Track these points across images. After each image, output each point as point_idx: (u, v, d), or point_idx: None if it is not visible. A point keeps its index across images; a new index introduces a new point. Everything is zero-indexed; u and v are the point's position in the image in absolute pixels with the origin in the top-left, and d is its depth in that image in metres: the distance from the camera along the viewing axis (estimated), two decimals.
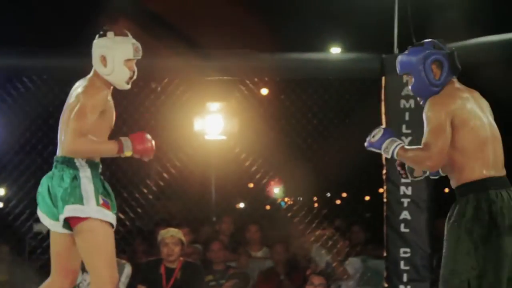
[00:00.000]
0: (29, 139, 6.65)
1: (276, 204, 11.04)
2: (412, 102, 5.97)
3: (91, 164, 3.80)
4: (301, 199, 7.30)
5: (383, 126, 3.87)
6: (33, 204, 6.48)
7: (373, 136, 3.71)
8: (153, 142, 3.88)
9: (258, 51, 6.21)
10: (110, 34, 3.87)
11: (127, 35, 3.90)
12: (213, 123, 7.80)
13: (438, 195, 6.25)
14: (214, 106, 7.76)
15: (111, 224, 3.79)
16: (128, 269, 5.98)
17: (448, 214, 3.59)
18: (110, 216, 3.78)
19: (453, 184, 3.61)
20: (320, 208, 7.55)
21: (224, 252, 6.81)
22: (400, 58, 3.79)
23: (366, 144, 3.76)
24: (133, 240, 7.00)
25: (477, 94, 3.70)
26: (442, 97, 3.60)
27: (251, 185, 9.40)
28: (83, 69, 6.00)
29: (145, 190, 6.96)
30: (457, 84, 3.68)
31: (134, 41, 3.89)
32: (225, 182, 8.70)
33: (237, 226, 7.53)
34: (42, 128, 6.57)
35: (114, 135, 3.91)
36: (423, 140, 3.56)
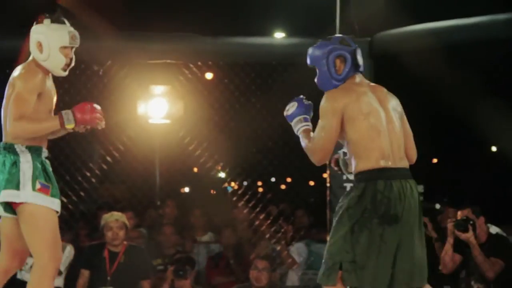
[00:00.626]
0: None
1: (221, 188, 11.07)
2: None
3: (32, 149, 3.80)
4: (246, 183, 7.31)
5: (301, 97, 3.90)
6: None
7: (288, 109, 3.86)
8: (99, 110, 3.88)
9: (202, 35, 6.22)
10: (46, 21, 3.87)
11: (64, 23, 3.89)
12: (157, 107, 7.76)
13: None
14: (158, 89, 7.71)
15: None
16: (69, 250, 5.96)
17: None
18: (49, 201, 3.78)
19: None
20: (264, 193, 7.59)
21: (175, 236, 6.83)
22: (309, 50, 3.84)
23: (285, 114, 3.88)
24: (75, 223, 6.96)
25: (380, 89, 3.78)
26: (338, 91, 3.71)
27: (195, 169, 9.41)
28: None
29: (88, 174, 6.92)
30: (358, 79, 3.76)
31: (71, 29, 3.89)
32: (169, 167, 8.68)
33: (181, 210, 7.55)
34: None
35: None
36: (313, 134, 3.70)
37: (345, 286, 3.58)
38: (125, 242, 5.90)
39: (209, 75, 7.49)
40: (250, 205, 6.93)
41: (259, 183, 8.12)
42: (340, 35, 3.87)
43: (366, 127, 3.63)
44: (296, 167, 7.03)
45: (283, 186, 11.55)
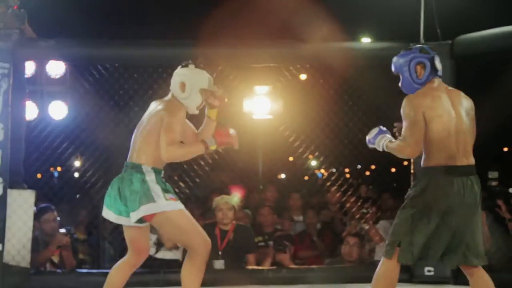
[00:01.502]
0: (103, 118, 6.76)
1: (313, 175, 11.06)
2: None
3: (155, 170, 3.96)
4: (334, 170, 7.28)
5: (380, 126, 4.02)
6: (107, 174, 6.64)
7: (370, 134, 4.00)
8: (234, 134, 4.10)
9: (301, 42, 6.20)
10: (191, 66, 4.08)
11: (204, 69, 4.09)
12: (260, 104, 7.83)
13: None
14: (262, 89, 7.78)
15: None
16: None
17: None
18: (178, 205, 3.95)
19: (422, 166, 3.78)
20: (353, 179, 7.55)
21: (272, 216, 6.87)
22: (394, 59, 3.97)
23: (367, 140, 4.02)
24: (191, 206, 7.07)
25: (456, 93, 3.86)
26: (415, 96, 3.78)
27: (291, 158, 9.44)
28: (148, 59, 6.14)
29: (202, 163, 7.02)
30: (436, 83, 3.85)
31: (209, 75, 4.10)
32: (270, 156, 8.72)
33: (281, 194, 7.57)
34: (114, 109, 6.68)
35: None
36: (402, 134, 3.76)
37: (399, 263, 3.75)
38: (234, 222, 5.97)
39: (305, 76, 7.49)
40: (342, 189, 6.89)
41: (347, 170, 8.09)
42: (420, 44, 3.90)
43: (439, 129, 3.67)
44: (381, 156, 6.95)
45: (367, 173, 11.43)
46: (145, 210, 3.87)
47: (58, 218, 5.95)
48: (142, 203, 3.86)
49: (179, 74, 4.07)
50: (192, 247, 3.97)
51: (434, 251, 3.75)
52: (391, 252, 3.75)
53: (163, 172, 4.02)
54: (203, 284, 5.65)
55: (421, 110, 3.68)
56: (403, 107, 3.75)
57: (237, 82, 6.74)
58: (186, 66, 4.08)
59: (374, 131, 3.97)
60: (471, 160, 3.73)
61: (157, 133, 3.89)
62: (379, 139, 3.91)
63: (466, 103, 3.81)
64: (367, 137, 3.99)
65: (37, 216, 5.87)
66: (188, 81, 4.02)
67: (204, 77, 4.06)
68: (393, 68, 3.94)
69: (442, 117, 3.69)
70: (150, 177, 3.91)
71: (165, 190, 3.94)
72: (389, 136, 3.89)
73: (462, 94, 3.86)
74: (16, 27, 5.78)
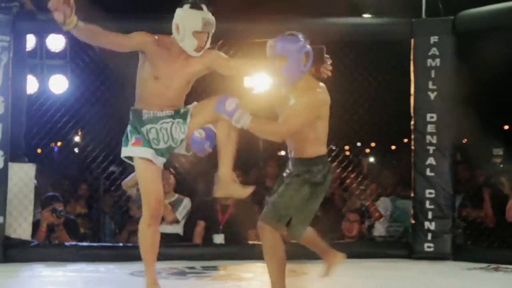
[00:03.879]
0: (104, 92, 6.75)
1: None
2: (438, 61, 5.94)
3: (134, 111, 3.93)
4: (334, 147, 7.28)
5: (234, 98, 3.78)
6: (107, 149, 6.65)
7: (229, 105, 3.69)
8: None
9: (299, 16, 6.17)
10: (186, 6, 3.89)
11: (200, 9, 3.87)
12: (261, 79, 7.79)
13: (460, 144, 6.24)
14: None
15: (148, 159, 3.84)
16: (186, 203, 6.10)
17: (294, 171, 3.81)
18: (142, 152, 3.84)
19: (301, 153, 3.81)
20: (353, 155, 7.56)
21: None
22: (277, 42, 3.83)
23: (215, 108, 3.73)
24: (193, 181, 7.09)
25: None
26: (322, 91, 3.83)
27: None
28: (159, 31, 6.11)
29: None
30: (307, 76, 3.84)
31: (206, 15, 3.86)
32: None
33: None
34: (114, 83, 6.66)
35: None
36: (283, 116, 3.74)
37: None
38: (232, 200, 5.98)
39: None
40: (342, 165, 6.90)
41: (347, 147, 8.08)
42: (301, 33, 3.85)
43: (326, 124, 3.83)
44: (382, 133, 6.95)
45: (367, 150, 11.43)
46: (122, 153, 3.90)
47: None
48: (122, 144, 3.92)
49: (175, 15, 3.91)
50: (143, 201, 3.89)
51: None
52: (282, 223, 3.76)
53: (146, 112, 3.88)
54: (204, 258, 5.71)
55: (323, 107, 3.76)
56: (303, 96, 3.71)
57: (238, 56, 6.71)
58: (181, 6, 3.90)
59: (233, 102, 3.71)
60: None
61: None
62: (239, 114, 3.69)
63: None
64: (220, 107, 3.69)
65: (44, 204, 5.91)
66: (181, 22, 3.86)
67: (198, 19, 3.83)
68: (276, 51, 3.79)
69: (328, 114, 3.81)
70: (130, 120, 3.92)
71: (132, 134, 3.86)
72: (249, 115, 3.71)
73: None
74: (16, 0, 5.77)
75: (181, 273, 5.15)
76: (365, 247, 6.12)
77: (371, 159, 8.11)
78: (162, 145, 3.89)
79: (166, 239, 5.99)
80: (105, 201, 6.97)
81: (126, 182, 4.87)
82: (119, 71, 6.38)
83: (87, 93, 6.85)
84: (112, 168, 6.76)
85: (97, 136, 6.61)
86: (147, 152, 3.84)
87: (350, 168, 6.89)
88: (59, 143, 7.88)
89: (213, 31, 3.91)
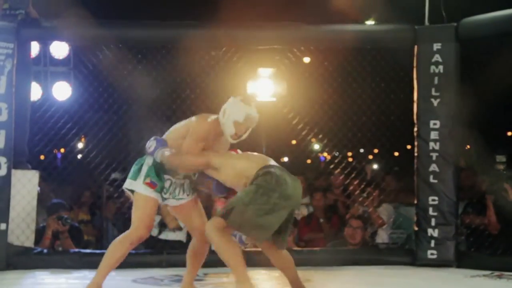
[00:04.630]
0: (107, 99, 6.76)
1: (316, 158, 11.04)
2: (441, 67, 5.94)
3: None
4: (337, 154, 7.28)
5: (155, 137, 4.28)
6: (110, 155, 6.66)
7: (149, 147, 4.21)
8: None
9: (305, 23, 6.19)
10: (238, 97, 4.26)
11: (249, 105, 4.22)
12: (264, 87, 7.82)
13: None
14: (265, 71, 7.77)
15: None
16: None
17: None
18: (150, 192, 4.21)
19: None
20: (356, 162, 7.55)
21: None
22: None
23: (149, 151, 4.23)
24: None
25: None
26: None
27: (294, 142, 9.42)
28: (151, 39, 6.13)
29: None
30: None
31: (251, 112, 4.20)
32: (273, 139, 8.71)
33: None
34: (117, 89, 6.68)
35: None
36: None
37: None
38: None
39: (309, 59, 7.47)
40: (345, 172, 6.89)
41: (349, 154, 8.08)
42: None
43: None
44: (385, 139, 6.94)
45: (370, 156, 11.42)
46: (126, 183, 4.25)
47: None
48: (128, 176, 4.27)
49: (228, 101, 4.26)
50: (132, 227, 4.21)
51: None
52: None
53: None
54: (206, 265, 5.70)
55: None
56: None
57: (241, 64, 6.73)
58: (235, 96, 4.27)
59: (152, 144, 4.19)
60: None
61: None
62: (157, 152, 4.17)
63: None
64: (147, 148, 4.23)
65: (50, 211, 5.91)
66: (228, 109, 4.20)
67: (242, 112, 4.17)
68: None
69: None
70: (149, 161, 4.24)
71: (148, 176, 4.19)
72: (168, 150, 4.15)
73: None
74: (21, 8, 5.80)
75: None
76: (368, 254, 6.11)
77: (375, 166, 8.09)
78: (167, 196, 4.30)
79: (169, 246, 6.01)
80: (108, 208, 6.97)
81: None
82: (122, 79, 6.41)
83: (91, 100, 6.86)
84: (114, 175, 6.76)
85: (100, 143, 6.62)
86: (156, 196, 4.23)
87: (353, 175, 6.87)
88: (62, 150, 7.89)
89: (253, 126, 4.24)
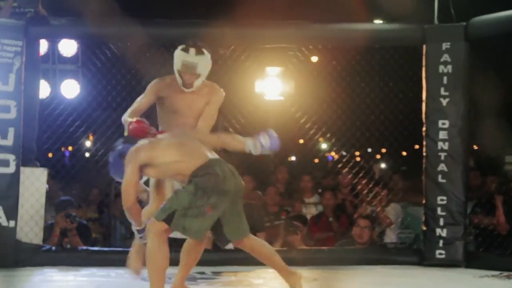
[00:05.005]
0: (115, 97, 6.77)
1: (323, 157, 11.02)
2: (449, 67, 5.93)
3: None
4: (345, 153, 7.28)
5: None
6: None
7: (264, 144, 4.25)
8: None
9: (312, 22, 6.18)
10: (180, 46, 4.31)
11: (187, 51, 4.26)
12: (272, 86, 7.82)
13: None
14: (273, 70, 7.77)
15: None
16: None
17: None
18: None
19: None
20: (364, 161, 7.54)
21: (278, 197, 6.88)
22: None
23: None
24: None
25: None
26: None
27: (301, 141, 9.41)
28: (160, 37, 6.13)
29: None
30: None
31: (187, 58, 4.26)
32: (281, 137, 8.66)
33: (291, 176, 7.58)
34: (126, 87, 6.69)
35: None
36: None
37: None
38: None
39: (317, 58, 7.46)
40: (353, 171, 6.89)
41: (357, 153, 8.07)
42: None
43: None
44: (393, 139, 6.93)
45: (378, 156, 11.39)
46: None
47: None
48: None
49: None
50: None
51: None
52: None
53: None
54: (214, 263, 5.70)
55: None
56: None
57: (249, 63, 6.73)
58: (177, 47, 4.33)
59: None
60: None
61: None
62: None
63: None
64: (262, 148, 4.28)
65: (59, 209, 5.93)
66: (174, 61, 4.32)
67: (179, 60, 4.27)
68: None
69: None
70: None
71: None
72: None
73: None
74: (30, 6, 5.81)
75: (192, 279, 5.14)
76: (376, 254, 6.11)
77: (383, 165, 8.08)
78: None
79: (177, 244, 6.01)
80: (116, 205, 6.98)
81: None
82: (131, 76, 6.42)
83: (99, 98, 6.88)
84: None
85: (109, 141, 6.63)
86: None
87: (361, 174, 6.87)
88: (70, 148, 7.90)
89: (196, 72, 4.26)
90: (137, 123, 4.17)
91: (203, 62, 4.30)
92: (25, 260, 5.64)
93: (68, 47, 6.85)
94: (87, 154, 8.30)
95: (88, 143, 8.37)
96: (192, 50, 4.27)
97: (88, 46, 6.74)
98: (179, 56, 4.28)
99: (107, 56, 6.41)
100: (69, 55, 6.90)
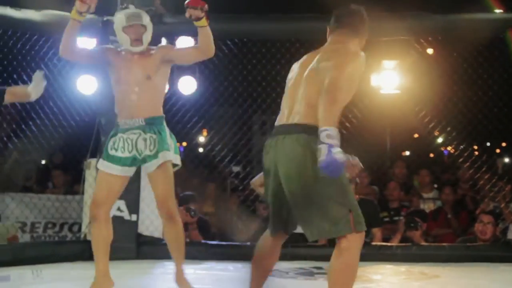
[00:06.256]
0: (232, 93, 6.87)
1: (439, 152, 10.79)
2: None
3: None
4: (462, 147, 7.09)
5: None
6: (235, 149, 6.78)
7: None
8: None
9: (431, 12, 6.05)
10: (116, 13, 4.17)
11: (126, 8, 4.14)
12: (388, 79, 7.69)
13: None
14: (390, 63, 7.64)
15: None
16: None
17: None
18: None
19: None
20: (486, 156, 7.32)
21: (399, 192, 6.80)
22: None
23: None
24: None
25: (316, 52, 3.43)
26: None
27: (416, 135, 9.23)
28: (276, 33, 6.17)
29: None
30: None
31: (128, 11, 4.10)
32: (398, 132, 8.58)
33: (408, 170, 7.48)
34: (242, 83, 6.78)
35: None
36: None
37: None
38: (357, 196, 5.92)
39: (434, 50, 7.30)
40: (475, 166, 6.70)
41: (475, 147, 7.85)
42: None
43: None
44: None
45: (497, 150, 11.03)
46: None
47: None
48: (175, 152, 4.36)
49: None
50: None
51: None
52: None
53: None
54: (325, 259, 5.70)
55: None
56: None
57: (365, 56, 6.66)
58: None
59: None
60: (297, 119, 3.25)
61: None
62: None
63: (314, 61, 3.35)
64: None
65: (181, 203, 6.10)
66: (115, 27, 4.14)
67: (121, 16, 4.10)
68: None
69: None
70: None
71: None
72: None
73: (324, 51, 3.42)
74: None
75: (309, 273, 5.18)
76: (499, 251, 5.94)
77: (506, 160, 7.83)
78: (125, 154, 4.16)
79: (292, 239, 6.05)
80: (232, 200, 7.10)
81: (254, 182, 4.92)
82: (247, 73, 6.49)
83: (216, 94, 7.00)
84: (237, 169, 6.88)
85: (224, 137, 6.75)
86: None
87: (483, 169, 6.67)
88: (184, 144, 8.10)
89: (143, 23, 4.08)
90: None
91: (146, 16, 4.14)
92: (146, 253, 5.82)
93: (186, 43, 6.99)
94: (200, 150, 8.49)
95: (202, 139, 8.54)
96: (131, 6, 4.21)
97: None
98: (120, 13, 4.13)
99: (224, 52, 6.51)
100: None
